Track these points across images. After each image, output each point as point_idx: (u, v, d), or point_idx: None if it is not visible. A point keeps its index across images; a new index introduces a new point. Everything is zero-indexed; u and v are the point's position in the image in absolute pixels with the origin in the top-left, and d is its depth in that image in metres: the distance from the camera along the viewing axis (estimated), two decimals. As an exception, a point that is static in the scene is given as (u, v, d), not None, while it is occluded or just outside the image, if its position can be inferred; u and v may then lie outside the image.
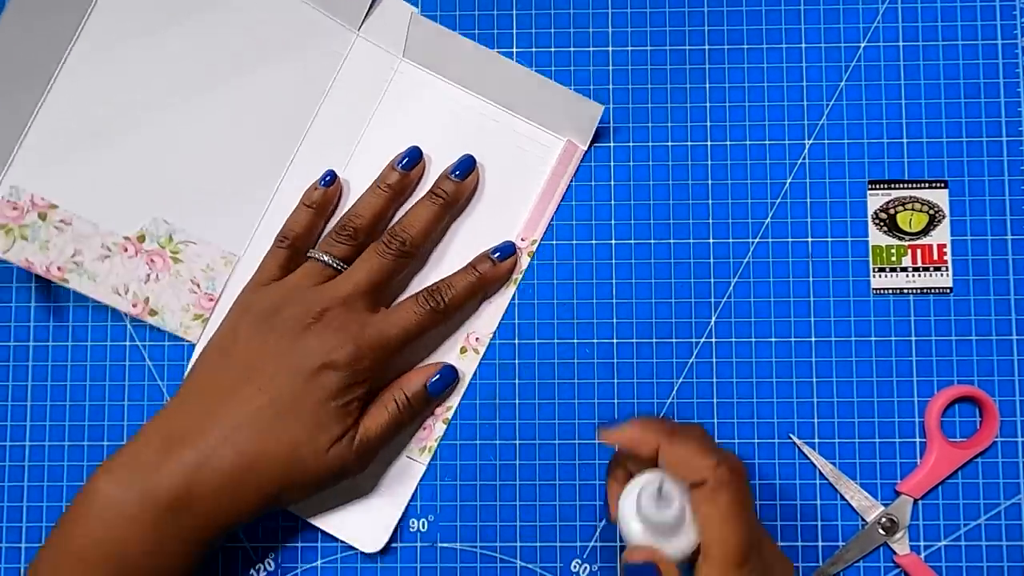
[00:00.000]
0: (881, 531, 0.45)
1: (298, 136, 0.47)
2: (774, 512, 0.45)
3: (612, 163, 0.47)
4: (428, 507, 0.46)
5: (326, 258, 0.44)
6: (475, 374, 0.46)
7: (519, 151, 0.47)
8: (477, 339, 0.46)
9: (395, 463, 0.46)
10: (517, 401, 0.46)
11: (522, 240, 0.47)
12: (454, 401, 0.46)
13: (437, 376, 0.45)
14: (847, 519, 0.45)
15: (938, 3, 0.47)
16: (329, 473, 0.41)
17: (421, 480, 0.46)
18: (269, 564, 0.46)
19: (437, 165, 0.46)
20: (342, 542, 0.45)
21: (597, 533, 0.46)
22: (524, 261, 0.46)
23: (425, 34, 0.47)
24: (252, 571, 0.46)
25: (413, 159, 0.46)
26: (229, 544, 0.46)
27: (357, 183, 0.46)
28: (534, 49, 0.48)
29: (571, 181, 0.47)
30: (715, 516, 0.35)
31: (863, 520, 0.45)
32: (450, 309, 0.44)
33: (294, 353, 0.41)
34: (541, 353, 0.46)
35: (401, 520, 0.46)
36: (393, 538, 0.45)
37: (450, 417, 0.46)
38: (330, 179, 0.46)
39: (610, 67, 0.48)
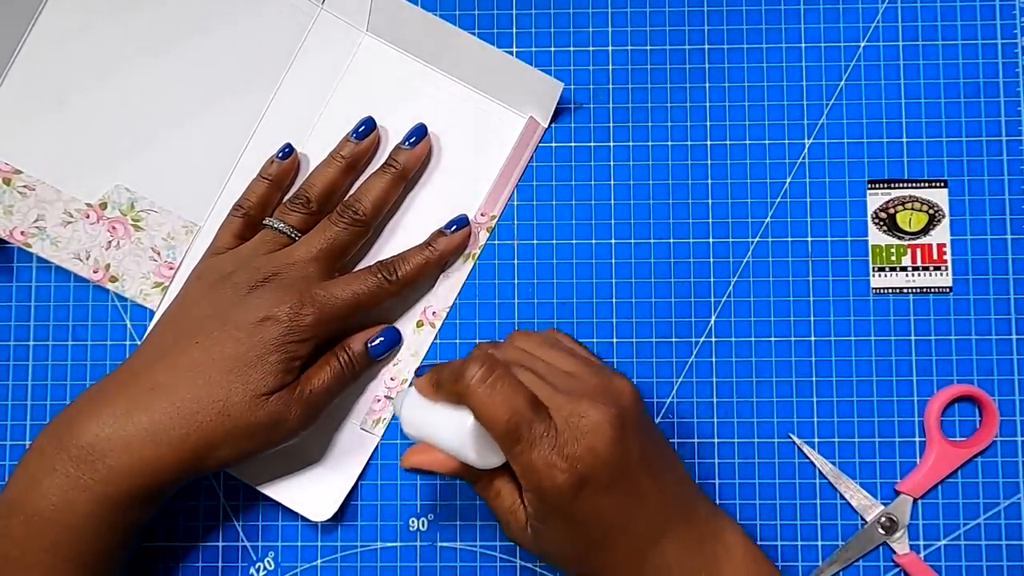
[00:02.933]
0: (881, 530, 0.45)
1: (260, 108, 0.48)
2: (774, 512, 0.45)
3: (612, 163, 0.47)
4: (428, 507, 0.46)
5: (280, 225, 0.44)
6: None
7: (480, 127, 0.47)
8: (434, 313, 0.46)
9: (347, 434, 0.46)
10: (517, 400, 0.46)
11: (481, 215, 0.47)
12: (409, 374, 0.46)
13: (380, 338, 0.45)
14: (847, 518, 0.45)
15: (938, 3, 0.47)
16: (263, 426, 0.40)
17: (419, 478, 0.46)
18: (269, 564, 0.46)
19: (398, 140, 0.47)
20: (291, 510, 0.45)
21: (597, 532, 0.46)
22: (483, 237, 0.47)
23: (389, 8, 0.47)
24: (252, 571, 0.46)
25: (367, 129, 0.46)
26: (229, 543, 0.46)
27: (319, 156, 0.47)
28: (534, 49, 0.48)
29: (532, 159, 0.47)
30: (473, 404, 0.36)
31: (863, 519, 0.45)
32: (402, 282, 0.44)
33: (237, 308, 0.41)
34: (541, 352, 0.46)
35: (400, 518, 0.46)
36: (393, 533, 0.46)
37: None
38: (287, 152, 0.46)
39: (610, 67, 0.48)
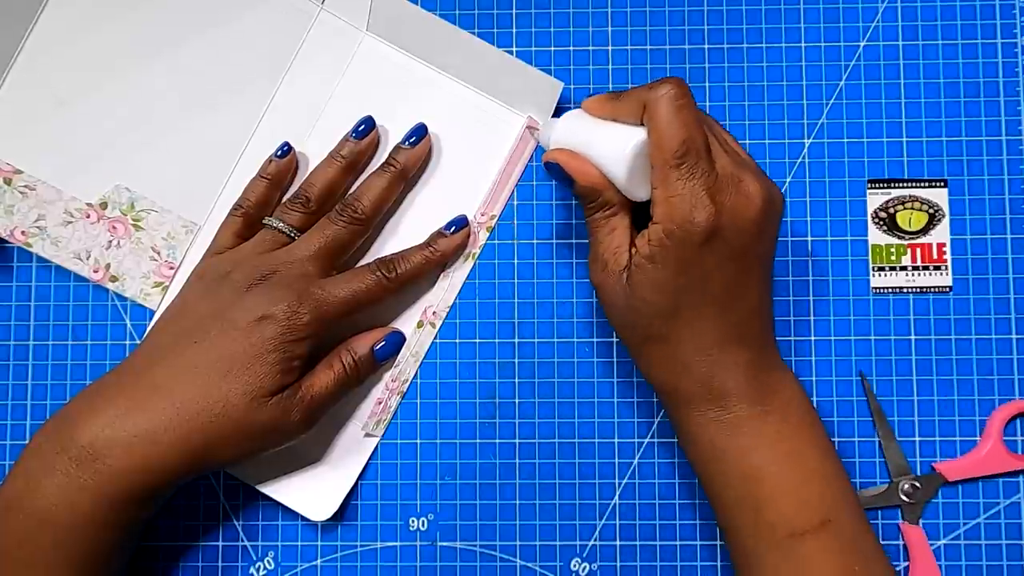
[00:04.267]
0: (902, 495, 0.45)
1: (261, 107, 0.48)
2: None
3: (612, 162, 0.47)
4: (428, 506, 0.46)
5: (279, 225, 0.44)
6: (475, 371, 0.46)
7: (480, 127, 0.47)
8: (434, 313, 0.46)
9: (348, 435, 0.46)
10: (517, 400, 0.46)
11: (481, 215, 0.47)
12: (409, 374, 0.46)
13: (384, 341, 0.45)
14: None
15: (938, 3, 0.47)
16: (262, 427, 0.40)
17: (419, 478, 0.46)
18: (269, 563, 0.46)
19: (398, 140, 0.47)
20: (291, 510, 0.45)
21: (597, 532, 0.46)
22: (482, 237, 0.47)
23: (389, 8, 0.47)
24: (252, 570, 0.46)
25: (367, 128, 0.46)
26: (229, 543, 0.46)
27: (319, 156, 0.47)
28: (534, 49, 0.48)
29: (532, 159, 0.47)
30: (656, 116, 0.36)
31: (890, 479, 0.45)
32: (401, 280, 0.44)
33: (235, 307, 0.41)
34: (541, 352, 0.46)
35: (400, 518, 0.46)
36: (393, 533, 0.46)
37: (405, 391, 0.46)
38: (285, 151, 0.46)
39: (610, 67, 0.48)
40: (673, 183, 0.36)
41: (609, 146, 0.38)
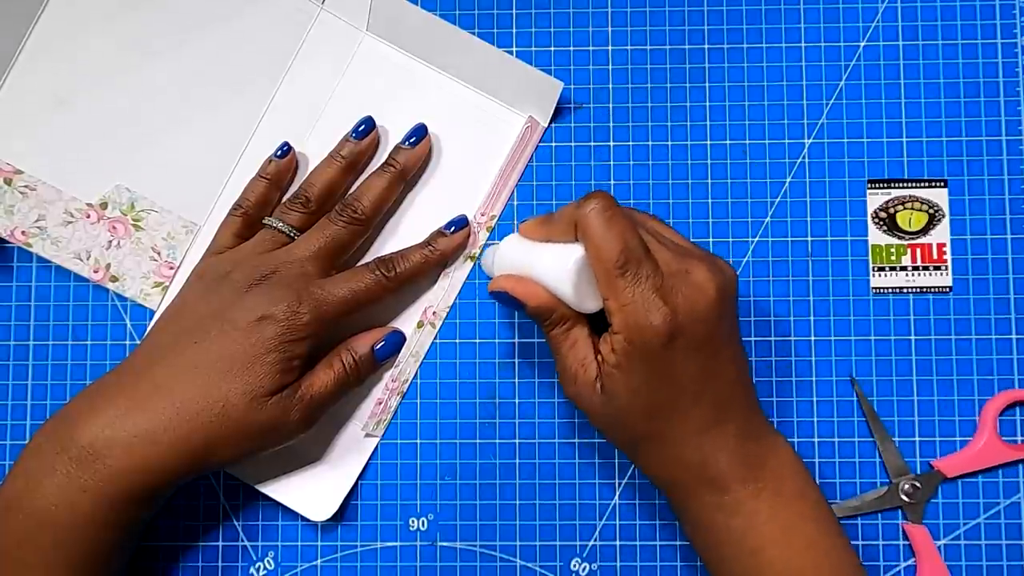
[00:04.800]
0: (903, 496, 0.45)
1: (261, 107, 0.48)
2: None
3: (612, 163, 0.47)
4: (428, 506, 0.46)
5: (279, 225, 0.44)
6: (475, 371, 0.46)
7: (480, 127, 0.47)
8: (434, 313, 0.46)
9: (348, 435, 0.46)
10: (517, 400, 0.46)
11: (481, 215, 0.47)
12: (409, 374, 0.46)
13: (383, 341, 0.45)
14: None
15: (938, 3, 0.47)
16: (262, 427, 0.40)
17: (419, 478, 0.46)
18: (269, 563, 0.46)
19: (398, 140, 0.47)
20: (291, 510, 0.45)
21: (597, 532, 0.46)
22: (482, 236, 0.47)
23: (389, 8, 0.47)
24: (252, 570, 0.46)
25: (367, 128, 0.46)
26: (229, 543, 0.46)
27: (319, 156, 0.47)
28: (534, 49, 0.48)
29: (532, 159, 0.47)
30: (588, 232, 0.36)
31: (889, 480, 0.45)
32: (400, 279, 0.44)
33: (235, 307, 0.41)
34: (541, 352, 0.46)
35: (400, 518, 0.46)
36: (393, 533, 0.46)
37: (405, 391, 0.46)
38: (285, 150, 0.46)
39: (610, 67, 0.48)
40: (622, 292, 0.36)
41: (552, 266, 0.38)
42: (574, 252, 0.37)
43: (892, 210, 0.46)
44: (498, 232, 0.47)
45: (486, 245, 0.46)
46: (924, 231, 0.46)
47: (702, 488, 0.38)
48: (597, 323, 0.39)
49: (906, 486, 0.45)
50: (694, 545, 0.40)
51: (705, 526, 0.39)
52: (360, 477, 0.46)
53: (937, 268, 0.46)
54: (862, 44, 0.47)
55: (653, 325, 0.35)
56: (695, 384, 0.37)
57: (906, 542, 0.45)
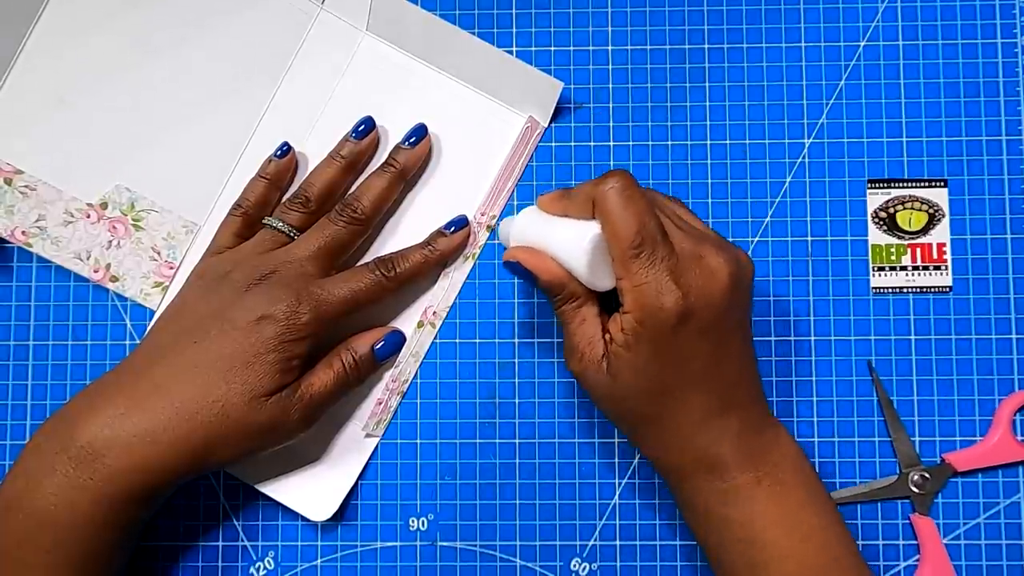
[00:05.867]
0: (912, 487, 0.45)
1: (261, 107, 0.48)
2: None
3: (612, 163, 0.47)
4: (428, 506, 0.46)
5: (279, 225, 0.44)
6: (475, 371, 0.46)
7: (480, 127, 0.47)
8: (434, 313, 0.46)
9: (348, 435, 0.46)
10: (517, 400, 0.46)
11: (481, 215, 0.47)
12: (409, 374, 0.46)
13: (383, 341, 0.45)
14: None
15: (938, 3, 0.47)
16: (261, 427, 0.40)
17: (419, 478, 0.46)
18: (269, 563, 0.46)
19: (398, 140, 0.47)
20: (291, 510, 0.45)
21: (597, 532, 0.46)
22: (482, 236, 0.47)
23: (389, 8, 0.47)
24: (252, 570, 0.46)
25: (367, 128, 0.46)
26: (229, 543, 0.46)
27: (318, 156, 0.47)
28: (534, 49, 0.48)
29: (532, 159, 0.47)
30: (606, 210, 0.36)
31: (900, 469, 0.45)
32: (400, 279, 0.44)
33: (235, 307, 0.41)
34: (541, 352, 0.46)
35: (400, 518, 0.46)
36: (393, 533, 0.46)
37: (405, 391, 0.46)
38: (284, 150, 0.46)
39: (610, 67, 0.48)
40: (636, 273, 0.36)
41: (567, 242, 0.38)
42: (591, 229, 0.37)
43: (892, 210, 0.46)
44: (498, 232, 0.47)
45: (499, 221, 0.46)
46: (924, 231, 0.46)
47: (702, 474, 0.38)
48: (607, 303, 0.39)
49: (916, 477, 0.45)
50: (692, 531, 0.40)
51: (704, 512, 0.39)
52: (360, 477, 0.46)
53: (937, 268, 0.46)
54: (862, 44, 0.47)
55: (664, 307, 0.36)
56: (701, 369, 0.37)
57: (903, 535, 0.45)
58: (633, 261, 0.36)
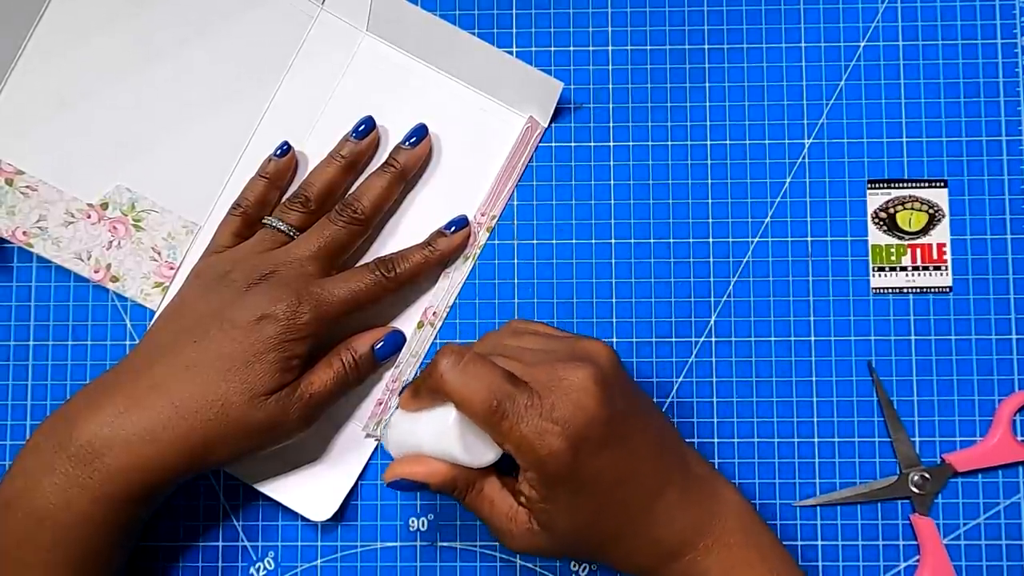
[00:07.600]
0: (912, 487, 0.45)
1: (261, 108, 0.48)
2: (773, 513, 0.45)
3: (612, 163, 0.47)
4: (428, 506, 0.46)
5: (279, 224, 0.44)
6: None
7: (480, 127, 0.47)
8: (434, 313, 0.46)
9: (348, 435, 0.46)
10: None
11: (481, 215, 0.47)
12: (409, 374, 0.46)
13: (383, 341, 0.45)
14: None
15: (938, 3, 0.47)
16: (261, 426, 0.40)
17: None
18: (269, 563, 0.46)
19: (398, 140, 0.47)
20: (291, 510, 0.45)
21: (597, 532, 0.46)
22: (482, 237, 0.47)
23: (389, 8, 0.47)
24: (252, 570, 0.46)
25: (367, 128, 0.46)
26: (229, 543, 0.46)
27: (318, 156, 0.47)
28: (534, 49, 0.48)
29: (532, 159, 0.47)
30: (451, 390, 0.36)
31: (900, 470, 0.45)
32: (400, 279, 0.44)
33: (234, 307, 0.41)
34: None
35: (400, 518, 0.46)
36: (393, 533, 0.46)
37: None
38: (284, 149, 0.46)
39: (610, 67, 0.48)
40: (510, 432, 0.35)
41: (436, 436, 0.38)
42: (448, 414, 0.37)
43: (892, 210, 0.46)
44: (498, 232, 0.47)
45: (384, 428, 0.45)
46: (924, 231, 0.46)
47: (667, 563, 0.38)
48: (504, 461, 0.39)
49: (916, 477, 0.45)
50: None
51: None
52: (360, 477, 0.46)
53: (937, 268, 0.46)
54: (862, 44, 0.47)
55: (553, 449, 0.35)
56: (620, 474, 0.37)
57: (911, 541, 0.45)
58: (501, 423, 0.35)
